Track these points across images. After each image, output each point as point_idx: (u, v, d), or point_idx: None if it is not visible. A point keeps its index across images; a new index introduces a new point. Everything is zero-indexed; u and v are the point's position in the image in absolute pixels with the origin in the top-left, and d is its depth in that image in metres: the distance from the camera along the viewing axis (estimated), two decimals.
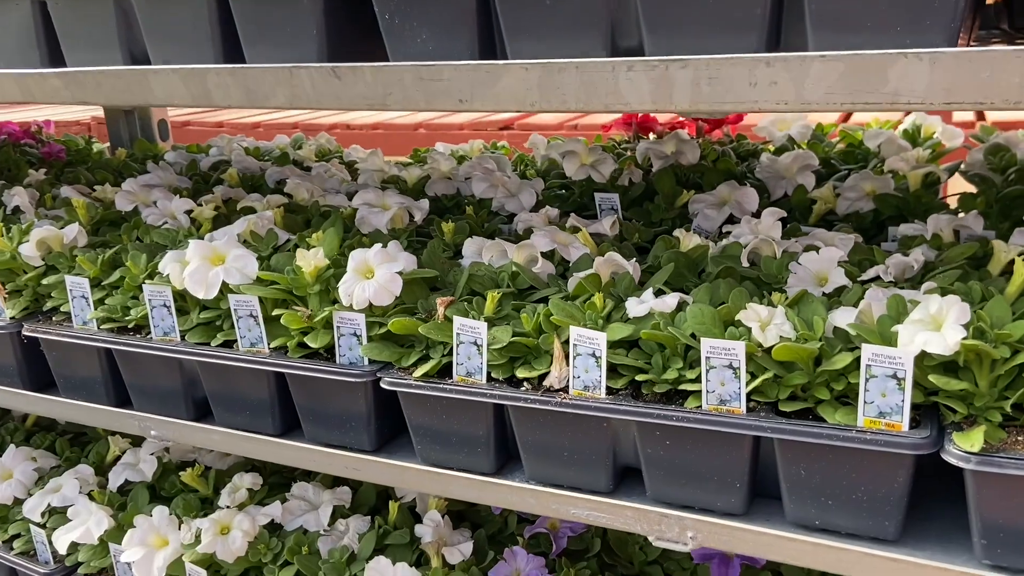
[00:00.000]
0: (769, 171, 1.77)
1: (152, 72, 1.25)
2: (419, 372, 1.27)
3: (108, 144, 2.78)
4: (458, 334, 1.24)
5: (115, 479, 1.81)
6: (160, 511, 1.67)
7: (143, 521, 1.65)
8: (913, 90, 0.87)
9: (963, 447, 0.98)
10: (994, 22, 1.37)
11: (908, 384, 1.00)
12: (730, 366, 1.08)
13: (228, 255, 1.40)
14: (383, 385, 1.29)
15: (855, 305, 1.15)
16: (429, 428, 1.30)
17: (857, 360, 1.04)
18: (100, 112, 4.90)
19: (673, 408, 1.11)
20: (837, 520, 1.08)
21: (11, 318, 1.64)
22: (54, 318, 1.63)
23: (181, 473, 1.77)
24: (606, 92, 1.00)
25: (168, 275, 1.42)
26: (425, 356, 1.30)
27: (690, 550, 1.15)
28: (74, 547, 1.78)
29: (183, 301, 1.48)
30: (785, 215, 1.46)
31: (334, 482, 1.76)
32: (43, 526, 1.83)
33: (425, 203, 1.66)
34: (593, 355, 1.16)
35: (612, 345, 1.17)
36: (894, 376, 1.00)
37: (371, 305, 1.31)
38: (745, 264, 1.36)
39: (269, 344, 1.39)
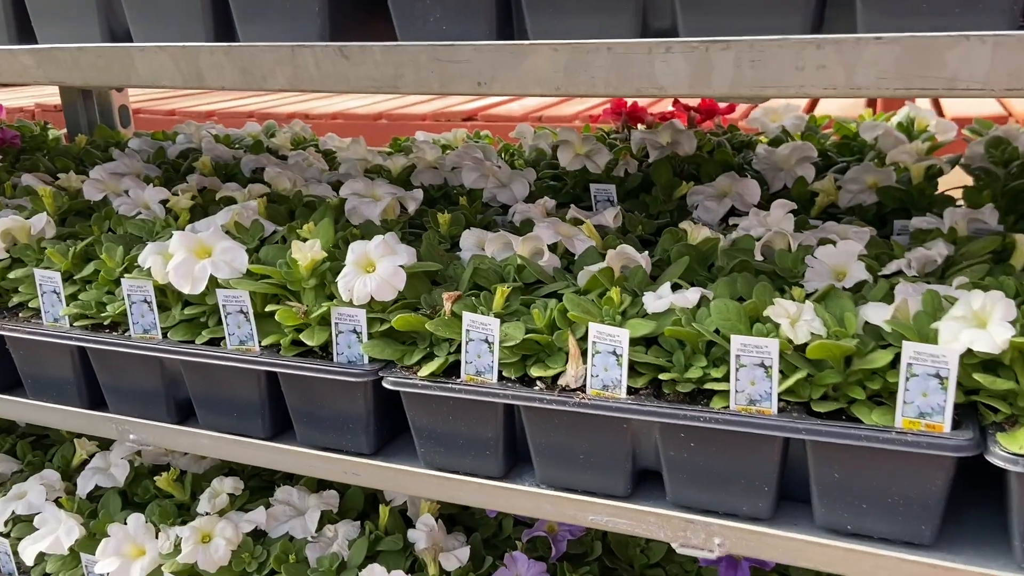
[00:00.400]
0: (767, 163, 1.73)
1: (137, 50, 1.16)
2: (425, 371, 1.20)
3: (65, 131, 2.65)
4: (468, 331, 1.18)
5: (84, 484, 1.71)
6: (135, 519, 1.57)
7: (117, 530, 1.56)
8: (973, 75, 0.83)
9: (1010, 448, 0.94)
10: None
11: (952, 384, 0.96)
12: (761, 364, 1.03)
13: (215, 247, 1.32)
14: (385, 385, 1.22)
15: (883, 300, 1.11)
16: (434, 430, 1.24)
17: (895, 358, 1.00)
18: (46, 99, 4.72)
19: (701, 409, 1.06)
20: (870, 524, 1.04)
21: None
22: (20, 314, 1.52)
23: (156, 478, 1.68)
24: (640, 75, 0.94)
25: (149, 269, 1.33)
26: (429, 354, 1.24)
27: (716, 556, 1.10)
28: (42, 558, 1.68)
29: (163, 296, 1.39)
30: (796, 207, 1.42)
31: (319, 485, 1.69)
32: (7, 535, 1.72)
33: (419, 193, 1.59)
34: (614, 353, 1.10)
35: (632, 343, 1.11)
36: (936, 375, 0.96)
37: (370, 301, 1.24)
38: (758, 257, 1.32)
39: (260, 342, 1.31)
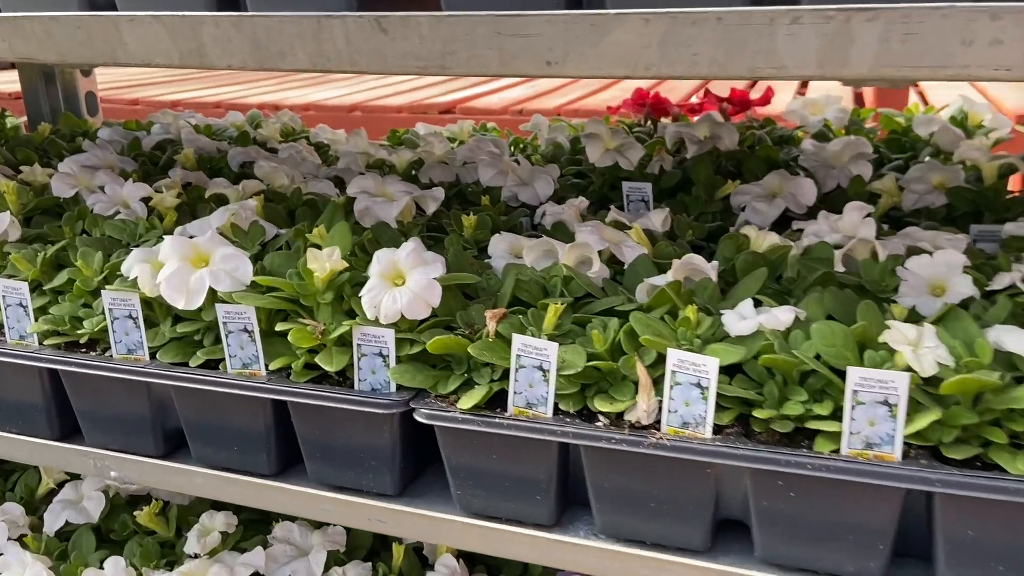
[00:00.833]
0: (816, 159, 1.57)
1: (125, 20, 0.97)
2: (467, 403, 1.02)
3: (25, 119, 2.43)
4: (518, 356, 1.00)
5: (52, 520, 1.50)
6: (114, 562, 1.37)
7: (93, 575, 1.36)
8: None
9: None
10: None
11: None
12: (885, 402, 0.86)
13: (214, 255, 1.13)
14: (418, 418, 1.04)
15: (1010, 323, 0.95)
16: (473, 469, 1.06)
17: None
18: (2, 86, 4.44)
19: (807, 454, 0.89)
20: None
21: None
22: None
23: (136, 512, 1.48)
24: (755, 52, 0.77)
25: (135, 279, 1.14)
26: (468, 381, 1.06)
27: None
28: None
29: (150, 310, 1.20)
30: (872, 210, 1.26)
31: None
32: None
33: (439, 192, 1.41)
34: (698, 385, 0.93)
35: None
36: None
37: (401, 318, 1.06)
38: (839, 268, 1.16)
39: (267, 365, 1.12)
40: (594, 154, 1.59)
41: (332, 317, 1.10)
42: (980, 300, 1.04)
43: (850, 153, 1.55)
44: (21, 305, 1.24)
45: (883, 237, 1.23)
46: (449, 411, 1.02)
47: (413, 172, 1.74)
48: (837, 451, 0.89)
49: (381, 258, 1.07)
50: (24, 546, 1.47)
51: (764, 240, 1.22)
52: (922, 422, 0.85)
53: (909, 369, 0.87)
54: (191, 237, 1.19)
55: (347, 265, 1.09)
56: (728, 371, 0.97)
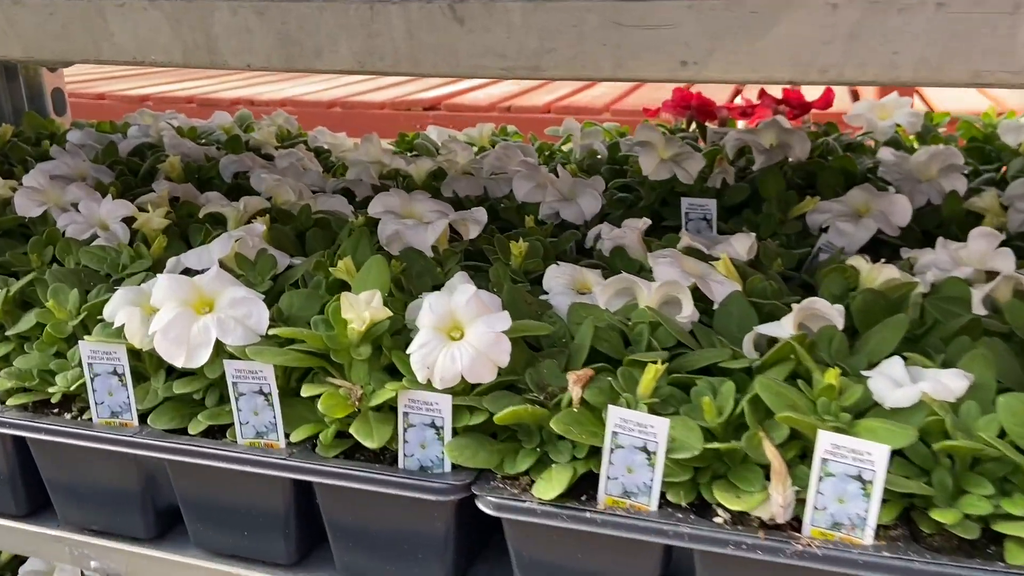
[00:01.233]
0: (899, 171, 1.38)
1: (113, 7, 0.74)
2: (548, 492, 0.80)
3: None
4: (615, 434, 0.79)
5: None
6: None
7: None
8: None
9: None
10: None
11: None
12: None
13: (221, 298, 0.91)
14: (483, 507, 0.83)
15: None
16: (552, 568, 0.85)
17: None
18: None
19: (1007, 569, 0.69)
20: None
21: None
22: None
23: None
24: (984, 50, 0.57)
25: (121, 327, 0.92)
26: (543, 458, 0.85)
27: None
28: None
29: (138, 360, 0.97)
30: (1004, 238, 1.07)
31: None
32: None
33: (482, 214, 1.19)
34: (858, 478, 0.73)
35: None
36: None
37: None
38: (981, 311, 0.96)
39: (287, 434, 0.90)
40: (648, 165, 1.38)
41: (370, 376, 0.88)
42: None
43: (939, 164, 1.36)
44: None
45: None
46: (524, 500, 0.81)
47: (434, 184, 1.52)
48: None
49: (435, 306, 0.85)
50: None
51: (879, 274, 1.02)
52: None
53: None
54: (188, 272, 0.97)
55: (391, 314, 0.87)
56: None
